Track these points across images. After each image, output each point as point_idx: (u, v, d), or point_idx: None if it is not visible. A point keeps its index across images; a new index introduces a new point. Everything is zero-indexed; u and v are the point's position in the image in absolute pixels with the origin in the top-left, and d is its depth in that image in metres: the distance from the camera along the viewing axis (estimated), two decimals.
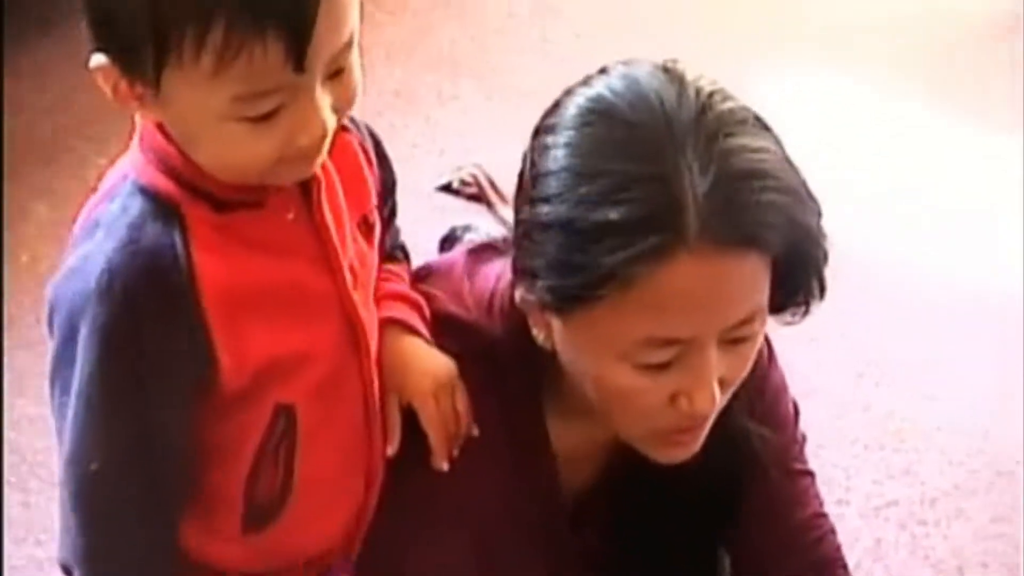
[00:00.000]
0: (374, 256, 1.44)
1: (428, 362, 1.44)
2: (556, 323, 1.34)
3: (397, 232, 1.56)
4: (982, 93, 3.50)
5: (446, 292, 1.47)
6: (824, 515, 1.61)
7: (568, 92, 1.35)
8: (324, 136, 1.25)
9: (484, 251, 1.52)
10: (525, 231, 1.33)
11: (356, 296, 1.38)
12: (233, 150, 1.24)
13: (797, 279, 1.35)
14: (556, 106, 1.34)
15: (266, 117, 1.21)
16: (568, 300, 1.30)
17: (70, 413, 1.30)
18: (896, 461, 2.65)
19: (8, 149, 3.00)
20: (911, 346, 2.86)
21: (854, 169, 3.24)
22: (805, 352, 2.78)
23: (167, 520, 1.37)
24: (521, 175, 1.36)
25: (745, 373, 1.38)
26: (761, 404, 1.56)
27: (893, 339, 2.87)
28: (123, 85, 1.23)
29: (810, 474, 1.62)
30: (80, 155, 3.07)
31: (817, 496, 1.61)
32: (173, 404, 1.31)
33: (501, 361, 1.42)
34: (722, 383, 1.34)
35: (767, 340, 1.56)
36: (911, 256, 3.06)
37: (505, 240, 1.48)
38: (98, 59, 1.24)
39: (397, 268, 1.52)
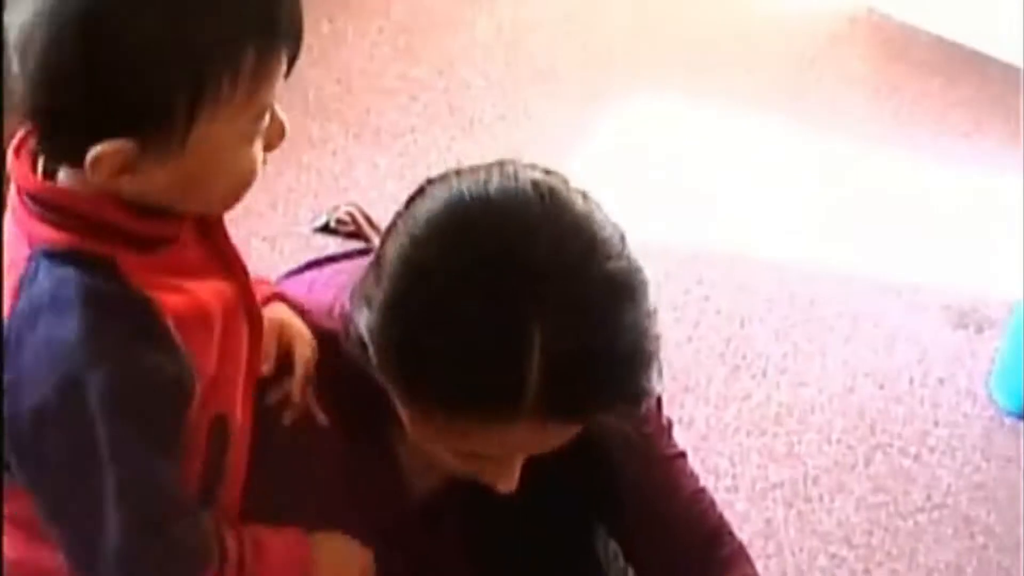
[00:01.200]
0: None
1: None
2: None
3: None
4: (831, 100, 3.66)
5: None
6: (703, 489, 1.66)
7: (433, 181, 1.34)
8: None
9: (323, 262, 1.59)
10: (363, 298, 1.33)
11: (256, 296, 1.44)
12: (249, 167, 1.30)
13: (625, 410, 1.36)
14: (419, 192, 1.34)
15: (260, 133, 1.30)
16: (396, 397, 1.33)
17: (110, 482, 1.29)
18: (777, 445, 2.79)
19: None
20: (780, 338, 2.99)
21: (720, 179, 3.37)
22: (684, 351, 2.92)
23: None
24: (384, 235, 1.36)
25: (562, 443, 1.39)
26: None
27: (763, 333, 3.00)
28: (125, 159, 1.24)
29: (682, 455, 1.66)
30: None
31: (692, 474, 1.66)
32: (174, 445, 1.33)
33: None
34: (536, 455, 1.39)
35: None
36: (774, 256, 3.19)
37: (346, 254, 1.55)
38: (106, 145, 1.24)
39: None
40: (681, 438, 1.66)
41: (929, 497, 2.73)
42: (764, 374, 2.91)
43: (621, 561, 1.70)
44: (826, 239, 3.24)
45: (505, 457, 1.37)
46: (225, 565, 1.37)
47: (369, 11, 3.73)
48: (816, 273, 3.14)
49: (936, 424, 2.86)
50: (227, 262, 1.39)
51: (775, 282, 3.10)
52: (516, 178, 1.30)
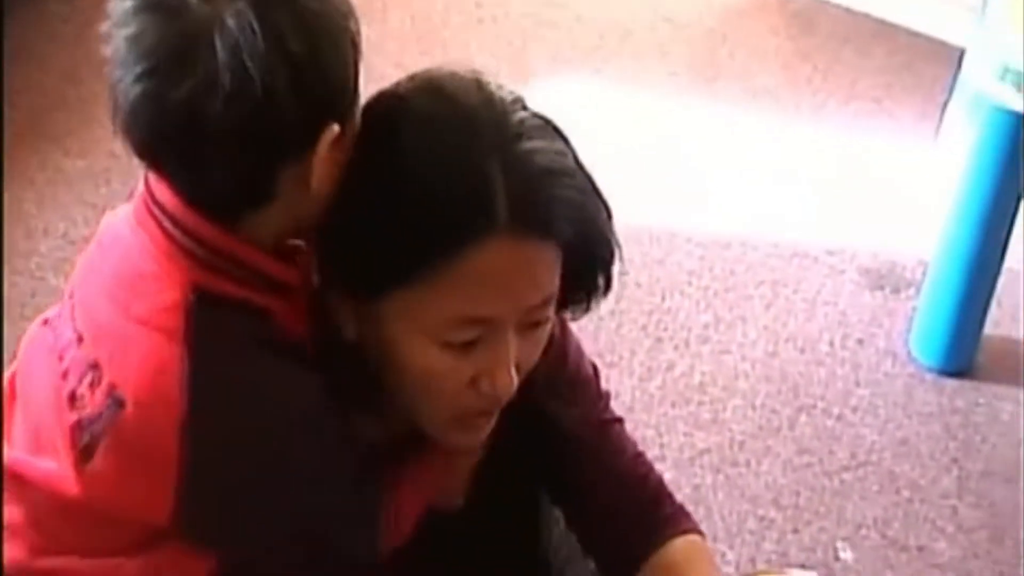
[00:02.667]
0: None
1: None
2: (366, 312, 1.40)
3: None
4: (745, 75, 3.70)
5: None
6: (642, 454, 1.69)
7: (378, 95, 1.41)
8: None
9: None
10: (335, 219, 1.39)
11: None
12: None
13: (584, 274, 1.44)
14: (366, 109, 1.40)
15: None
16: (373, 282, 1.37)
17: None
18: (703, 413, 2.82)
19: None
20: (700, 309, 3.03)
21: (636, 156, 3.41)
22: (608, 324, 2.95)
23: None
24: None
25: (537, 357, 1.46)
26: (565, 374, 1.64)
27: (684, 305, 3.04)
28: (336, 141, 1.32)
29: (620, 421, 1.70)
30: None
31: (631, 439, 1.70)
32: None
33: None
34: (518, 367, 1.42)
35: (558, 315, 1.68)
36: (692, 228, 3.23)
37: None
38: (330, 130, 1.30)
39: None
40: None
41: (854, 455, 2.78)
42: (687, 345, 2.95)
43: (563, 525, 1.73)
44: (743, 209, 3.29)
45: (499, 339, 1.38)
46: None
47: None
48: (734, 243, 3.18)
49: (858, 384, 2.90)
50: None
51: (694, 254, 3.14)
52: (448, 74, 1.42)
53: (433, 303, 1.36)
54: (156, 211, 1.32)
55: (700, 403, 2.84)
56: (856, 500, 2.70)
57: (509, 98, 1.40)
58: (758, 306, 3.05)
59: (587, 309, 1.50)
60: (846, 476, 2.74)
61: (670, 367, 2.90)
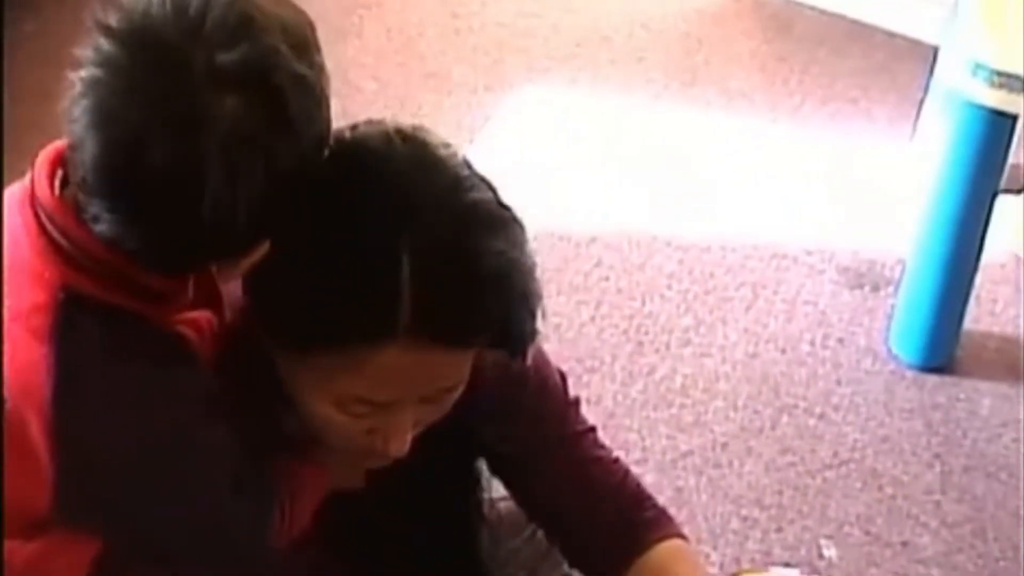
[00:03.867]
0: None
1: None
2: (280, 353, 1.40)
3: None
4: (721, 79, 3.72)
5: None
6: (617, 459, 1.68)
7: (335, 143, 1.36)
8: None
9: None
10: (255, 273, 1.37)
11: None
12: None
13: (506, 347, 1.40)
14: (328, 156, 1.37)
15: None
16: (283, 342, 1.37)
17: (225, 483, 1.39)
18: (685, 416, 2.83)
19: None
20: (681, 312, 3.04)
21: (614, 162, 3.42)
22: (588, 330, 2.96)
23: None
24: None
25: (444, 411, 1.44)
26: (524, 397, 1.62)
27: (665, 309, 3.04)
28: None
29: (592, 429, 1.68)
30: None
31: (604, 446, 1.69)
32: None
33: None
34: (418, 423, 1.42)
35: None
36: (671, 232, 3.24)
37: None
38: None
39: None
40: (589, 416, 1.69)
41: (836, 454, 2.78)
42: (668, 348, 2.96)
43: (517, 540, 1.74)
44: (722, 212, 3.30)
45: (397, 412, 1.38)
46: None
47: None
48: (713, 245, 3.19)
49: (839, 383, 2.91)
50: (209, 293, 1.43)
51: (673, 258, 3.15)
52: (381, 126, 1.36)
53: (333, 377, 1.35)
54: (35, 203, 1.32)
55: (682, 406, 2.85)
56: (839, 498, 2.71)
57: (453, 172, 1.34)
58: (738, 308, 3.05)
59: (514, 355, 1.43)
60: (829, 474, 2.75)
61: (651, 371, 2.91)
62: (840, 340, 2.99)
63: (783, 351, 2.97)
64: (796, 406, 2.87)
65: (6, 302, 1.32)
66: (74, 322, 1.32)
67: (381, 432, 1.40)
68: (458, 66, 3.62)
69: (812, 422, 2.84)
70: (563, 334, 2.92)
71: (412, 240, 1.28)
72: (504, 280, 1.32)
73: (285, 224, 1.31)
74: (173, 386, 1.35)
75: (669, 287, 3.09)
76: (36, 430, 1.32)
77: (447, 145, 1.36)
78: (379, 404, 1.36)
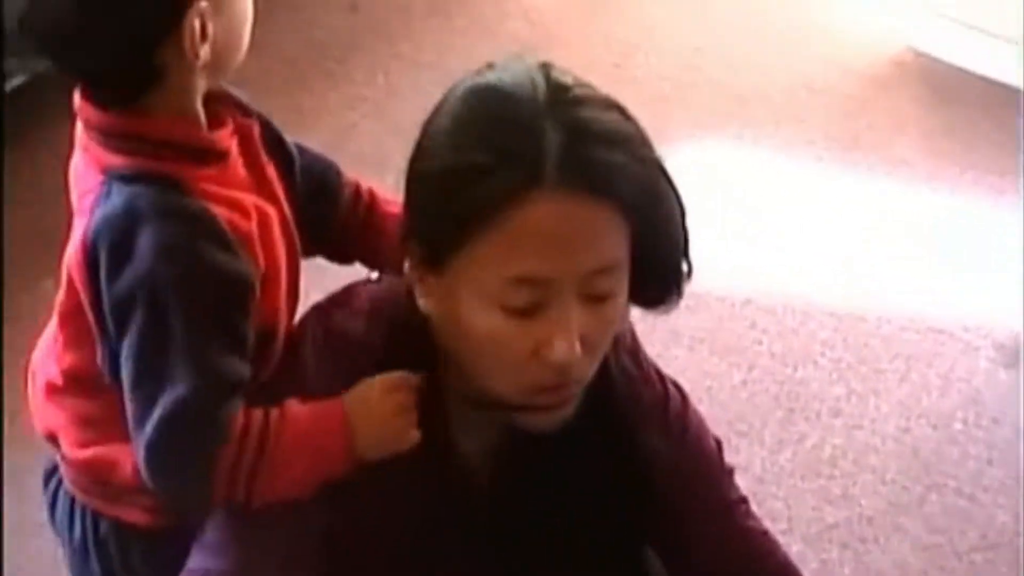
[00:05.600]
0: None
1: None
2: (434, 281, 1.44)
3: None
4: (884, 144, 3.69)
5: (345, 309, 1.59)
6: (767, 532, 1.71)
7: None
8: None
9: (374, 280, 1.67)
10: (406, 193, 1.45)
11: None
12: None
13: (654, 257, 1.45)
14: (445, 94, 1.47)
15: None
16: (440, 247, 1.41)
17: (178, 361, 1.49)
18: (832, 487, 2.81)
19: (17, 238, 3.09)
20: (833, 381, 3.02)
21: (773, 224, 3.41)
22: (738, 395, 2.95)
23: None
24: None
25: (608, 336, 1.46)
26: (685, 440, 1.66)
27: (817, 377, 3.03)
28: (203, 19, 1.52)
29: (744, 500, 1.71)
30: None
31: (756, 517, 1.71)
32: (242, 342, 1.54)
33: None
34: (585, 342, 1.41)
35: (678, 386, 1.68)
36: (828, 299, 3.22)
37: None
38: (193, 9, 1.51)
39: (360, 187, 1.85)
40: (738, 481, 1.71)
41: (984, 536, 2.75)
42: (818, 417, 2.94)
43: None
44: (880, 282, 3.27)
45: (560, 307, 1.39)
46: (246, 438, 1.49)
47: (423, 67, 3.80)
48: (869, 315, 3.17)
49: (990, 463, 2.87)
50: (266, 184, 1.64)
51: (828, 326, 3.13)
52: (520, 60, 1.46)
53: (491, 264, 1.38)
54: (79, 118, 1.59)
55: (830, 477, 2.83)
56: None
57: (578, 80, 1.44)
58: (891, 380, 3.03)
59: (661, 301, 1.50)
60: (976, 557, 2.71)
61: (801, 439, 2.89)
62: (994, 420, 2.95)
63: (935, 427, 2.94)
64: (946, 485, 2.83)
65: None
66: (108, 193, 1.53)
67: (547, 343, 1.40)
68: None
69: (962, 502, 2.80)
70: (715, 396, 2.92)
71: (549, 104, 1.37)
72: (647, 147, 1.42)
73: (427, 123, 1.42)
74: (183, 245, 1.50)
75: (822, 355, 3.07)
76: (85, 301, 1.56)
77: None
78: (539, 283, 1.38)
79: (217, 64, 1.57)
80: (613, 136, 1.38)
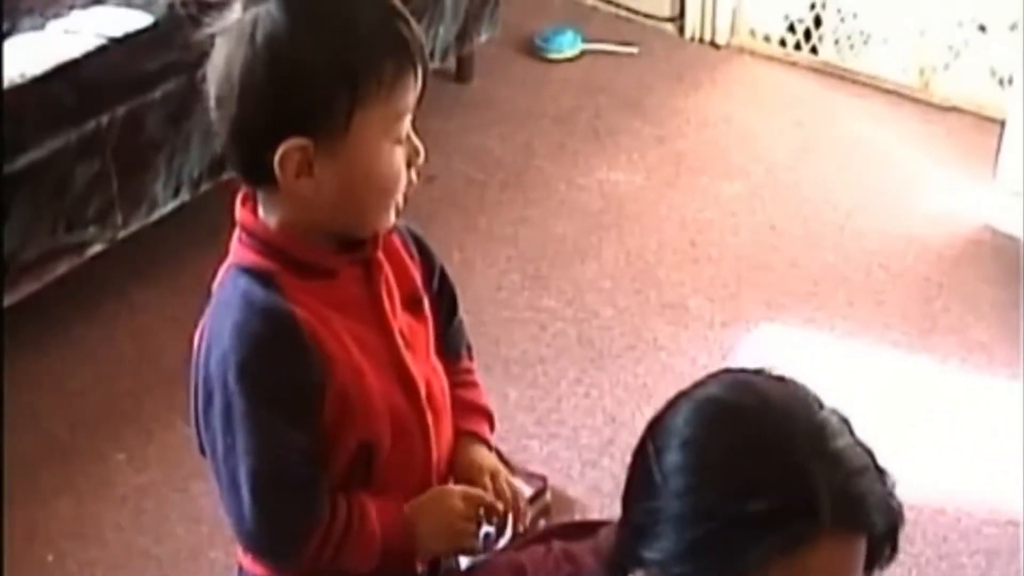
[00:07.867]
0: (427, 325, 1.86)
1: (488, 460, 1.90)
2: None
3: (462, 330, 2.02)
4: (961, 328, 3.66)
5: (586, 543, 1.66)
6: None
7: (681, 394, 1.50)
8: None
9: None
10: (647, 524, 1.45)
11: (407, 355, 1.78)
12: (396, 169, 1.68)
13: (879, 551, 1.50)
14: (669, 407, 1.50)
15: (400, 140, 1.68)
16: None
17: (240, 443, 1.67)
18: None
19: (28, 450, 3.11)
20: (911, 575, 2.97)
21: (850, 412, 3.31)
22: None
23: None
24: (632, 473, 1.50)
25: None
26: None
27: (897, 573, 2.90)
28: (305, 157, 1.63)
29: None
30: (97, 452, 3.18)
31: None
32: (305, 423, 1.69)
33: None
34: None
35: None
36: (910, 491, 3.15)
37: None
38: (291, 142, 1.63)
39: (470, 365, 2.01)
40: None
41: None
42: None
43: None
44: (959, 473, 3.22)
45: None
46: (333, 524, 1.72)
47: (498, 240, 3.82)
48: (947, 506, 3.12)
49: None
50: (380, 317, 1.76)
51: (907, 519, 3.06)
52: (750, 373, 1.52)
53: None
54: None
55: None
56: None
57: (812, 392, 1.50)
58: (972, 575, 2.97)
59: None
60: None
61: None
62: None
63: None
64: None
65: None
66: (225, 282, 1.73)
67: None
68: (695, 297, 3.63)
69: None
70: None
71: (807, 441, 1.42)
72: (873, 465, 1.47)
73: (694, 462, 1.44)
74: (255, 337, 1.66)
75: (902, 549, 3.00)
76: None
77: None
78: None
79: (339, 205, 1.68)
80: (865, 468, 1.46)
